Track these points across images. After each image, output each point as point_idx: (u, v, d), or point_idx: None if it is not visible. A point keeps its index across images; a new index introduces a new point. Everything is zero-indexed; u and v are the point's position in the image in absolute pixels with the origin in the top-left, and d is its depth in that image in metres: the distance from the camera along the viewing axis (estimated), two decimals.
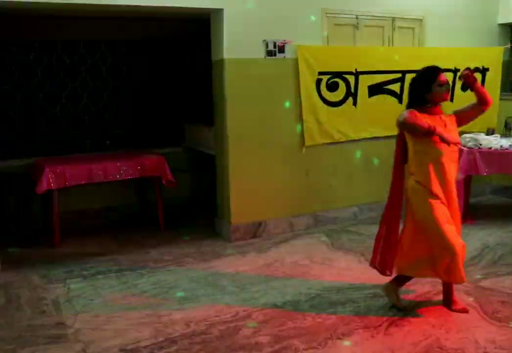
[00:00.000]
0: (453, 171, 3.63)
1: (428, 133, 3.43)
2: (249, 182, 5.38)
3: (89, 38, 6.13)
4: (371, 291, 4.13)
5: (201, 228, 5.90)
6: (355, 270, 4.58)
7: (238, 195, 5.36)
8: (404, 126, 3.56)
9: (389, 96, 6.01)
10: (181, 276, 4.54)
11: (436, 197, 3.58)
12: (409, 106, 3.64)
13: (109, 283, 4.42)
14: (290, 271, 4.60)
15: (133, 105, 6.48)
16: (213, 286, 4.32)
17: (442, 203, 3.59)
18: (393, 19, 6.02)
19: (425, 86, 3.53)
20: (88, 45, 6.18)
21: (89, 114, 6.27)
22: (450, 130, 3.57)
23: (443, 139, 3.42)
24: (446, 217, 3.58)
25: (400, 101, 6.05)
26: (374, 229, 5.59)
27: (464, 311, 3.74)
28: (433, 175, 3.57)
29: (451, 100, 6.46)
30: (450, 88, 3.61)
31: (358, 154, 5.99)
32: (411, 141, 3.63)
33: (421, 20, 6.21)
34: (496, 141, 5.72)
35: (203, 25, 5.63)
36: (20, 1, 4.40)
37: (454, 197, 3.66)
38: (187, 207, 6.61)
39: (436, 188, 3.57)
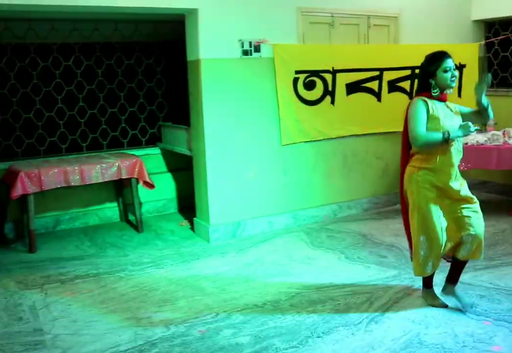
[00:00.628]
0: (457, 161, 3.58)
1: (445, 143, 3.42)
2: (227, 182, 5.37)
3: (62, 42, 6.06)
4: (351, 288, 4.15)
5: (180, 229, 5.88)
6: (334, 268, 4.59)
7: (216, 196, 5.35)
8: (423, 149, 3.51)
9: (367, 94, 6.04)
10: (160, 278, 4.51)
11: (435, 189, 3.54)
12: (417, 92, 3.61)
13: (87, 287, 4.37)
14: (270, 271, 4.60)
15: (108, 108, 6.42)
16: (193, 287, 4.30)
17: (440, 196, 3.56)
18: (368, 17, 6.06)
19: (431, 72, 3.47)
20: (62, 48, 6.10)
21: (64, 118, 6.20)
22: (455, 117, 3.56)
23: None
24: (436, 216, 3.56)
25: (379, 99, 6.09)
26: (354, 226, 5.69)
27: (443, 306, 3.77)
28: (439, 164, 3.51)
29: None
30: (457, 75, 3.52)
31: (336, 152, 6.00)
32: None
33: (396, 17, 6.25)
34: (472, 137, 5.78)
35: (178, 26, 5.61)
36: None
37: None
38: (165, 208, 6.59)
39: (440, 178, 3.53)
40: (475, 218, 3.59)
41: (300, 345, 3.36)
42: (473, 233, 3.56)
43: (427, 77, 3.50)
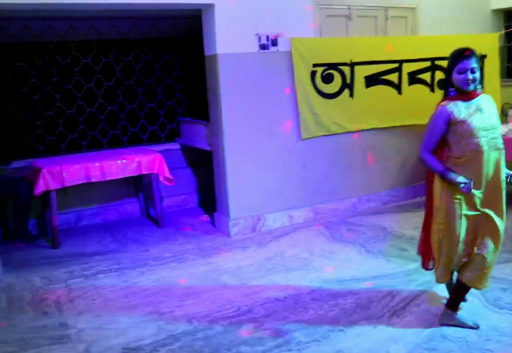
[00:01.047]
0: (494, 160, 3.24)
1: (444, 178, 3.25)
2: (246, 176, 5.38)
3: (80, 39, 6.10)
4: (372, 282, 4.14)
5: (201, 224, 5.91)
6: (355, 262, 4.58)
7: (236, 190, 5.36)
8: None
9: (387, 86, 5.99)
10: (182, 272, 4.54)
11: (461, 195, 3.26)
12: (444, 94, 3.39)
13: (110, 282, 4.42)
14: (290, 264, 4.61)
15: (128, 104, 6.46)
16: (214, 281, 4.33)
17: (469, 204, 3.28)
18: (386, 8, 6.01)
19: (448, 70, 3.27)
20: (80, 46, 6.15)
21: (84, 115, 6.25)
22: (486, 113, 3.24)
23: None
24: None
25: (399, 92, 6.03)
26: (374, 220, 5.66)
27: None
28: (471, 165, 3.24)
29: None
30: (475, 78, 3.19)
31: (354, 145, 5.97)
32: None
33: (413, 8, 6.19)
34: None
35: (195, 21, 5.62)
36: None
37: (494, 188, 3.29)
38: (186, 203, 6.62)
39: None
40: (492, 241, 3.31)
41: (322, 339, 3.37)
42: (486, 256, 3.31)
43: (446, 74, 3.33)
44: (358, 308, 3.72)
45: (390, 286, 4.05)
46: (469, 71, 3.18)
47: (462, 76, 3.19)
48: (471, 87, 3.21)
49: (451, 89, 3.31)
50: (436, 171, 3.29)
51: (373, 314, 3.63)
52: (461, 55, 3.22)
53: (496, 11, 6.83)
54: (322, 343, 3.32)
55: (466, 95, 3.25)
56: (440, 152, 3.35)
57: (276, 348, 3.29)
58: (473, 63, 3.19)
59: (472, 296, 3.81)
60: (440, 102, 3.33)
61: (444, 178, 3.23)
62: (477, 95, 3.28)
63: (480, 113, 3.23)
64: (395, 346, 3.25)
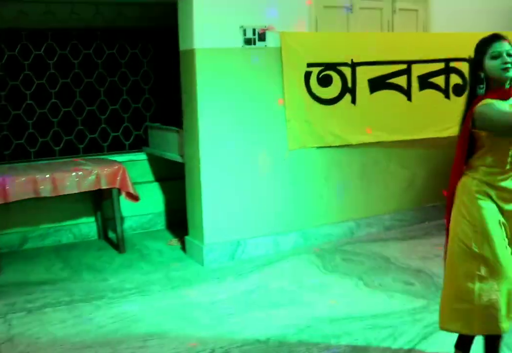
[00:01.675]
0: None
1: None
2: (225, 193, 5.41)
3: (33, 27, 6.10)
4: (371, 321, 4.17)
5: (169, 249, 5.91)
6: (352, 297, 4.61)
7: (212, 210, 5.38)
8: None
9: (394, 91, 6.05)
10: (146, 307, 4.54)
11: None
12: (469, 98, 3.23)
13: (59, 317, 4.39)
14: (275, 299, 4.62)
15: (86, 105, 6.46)
16: (184, 318, 4.33)
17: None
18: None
19: (477, 63, 3.14)
20: (32, 35, 6.15)
21: (33, 117, 6.24)
22: None
23: None
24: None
25: (409, 98, 6.10)
26: (374, 248, 5.71)
27: None
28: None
29: None
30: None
31: (353, 160, 6.04)
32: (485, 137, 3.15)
33: (426, 0, 6.29)
34: None
35: (169, 9, 5.66)
36: None
37: None
38: (152, 224, 6.62)
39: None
40: None
41: None
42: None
43: (475, 70, 3.16)
44: (353, 351, 3.75)
45: (392, 326, 4.07)
46: (505, 54, 3.06)
47: (497, 61, 3.06)
48: (510, 73, 3.05)
49: (481, 86, 3.15)
50: None
51: None
52: (492, 37, 3.13)
53: None
54: None
55: (504, 92, 3.12)
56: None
57: None
58: (508, 46, 3.09)
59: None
60: (477, 103, 3.12)
61: None
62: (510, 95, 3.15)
63: None
64: None
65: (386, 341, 3.87)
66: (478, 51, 3.16)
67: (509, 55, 3.06)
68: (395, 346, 3.81)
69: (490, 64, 3.08)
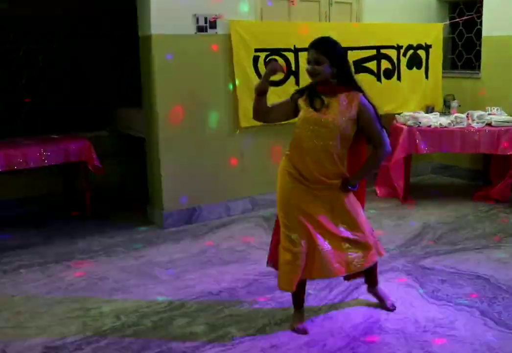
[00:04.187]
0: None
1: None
2: (181, 166, 5.34)
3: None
4: None
5: (133, 215, 5.81)
6: None
7: (170, 180, 5.31)
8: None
9: None
10: (111, 266, 4.46)
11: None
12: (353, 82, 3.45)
13: (32, 277, 4.29)
14: (226, 257, 4.60)
15: (55, 87, 6.28)
16: (145, 275, 4.27)
17: None
18: None
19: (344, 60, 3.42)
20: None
21: (5, 98, 6.04)
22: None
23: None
24: None
25: None
26: None
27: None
28: None
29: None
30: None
31: None
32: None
33: None
34: (435, 120, 5.88)
35: None
36: None
37: None
38: (118, 194, 6.51)
39: None
40: None
41: (258, 333, 3.38)
42: None
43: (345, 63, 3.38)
44: None
45: (329, 279, 4.02)
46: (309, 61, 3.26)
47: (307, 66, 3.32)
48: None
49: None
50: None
51: (310, 307, 3.65)
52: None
53: (441, 1, 7.01)
54: (257, 337, 3.34)
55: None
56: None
57: (209, 343, 3.28)
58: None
59: (411, 287, 3.92)
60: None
61: None
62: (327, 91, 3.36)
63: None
64: (333, 339, 3.30)
65: (323, 292, 3.90)
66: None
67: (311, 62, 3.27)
68: (331, 295, 3.85)
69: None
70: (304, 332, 3.37)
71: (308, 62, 3.26)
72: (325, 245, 3.25)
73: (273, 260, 3.51)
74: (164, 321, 3.56)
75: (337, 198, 3.32)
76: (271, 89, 5.53)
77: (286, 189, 3.34)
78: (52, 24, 6.19)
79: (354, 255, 3.32)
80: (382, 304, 3.64)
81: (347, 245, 3.32)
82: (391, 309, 3.60)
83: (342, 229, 3.32)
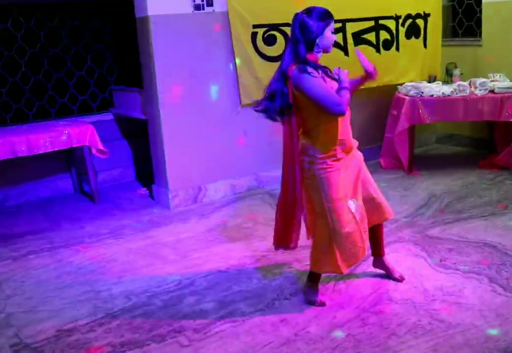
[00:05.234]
0: None
1: None
2: (185, 145, 5.30)
3: None
4: None
5: (139, 197, 5.81)
6: (301, 228, 4.59)
7: (174, 160, 5.28)
8: None
9: (333, 48, 5.95)
10: (119, 248, 4.46)
11: None
12: (293, 55, 3.20)
13: (42, 262, 4.30)
14: (233, 235, 4.59)
15: (54, 73, 6.23)
16: (154, 256, 4.27)
17: None
18: None
19: (319, 29, 3.12)
20: None
21: (6, 85, 5.99)
22: None
23: None
24: None
25: (346, 53, 5.98)
26: None
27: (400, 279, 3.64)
28: None
29: (397, 49, 6.54)
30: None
31: None
32: None
33: None
34: (438, 89, 5.80)
35: None
36: None
37: None
38: (122, 177, 6.48)
39: None
40: None
41: (267, 308, 3.38)
42: None
43: (315, 33, 3.12)
44: (304, 276, 3.72)
45: None
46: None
47: (333, 36, 3.22)
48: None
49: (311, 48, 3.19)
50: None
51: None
52: (331, 15, 3.15)
53: None
54: (267, 312, 3.34)
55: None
56: None
57: (220, 320, 3.29)
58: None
59: (418, 257, 3.90)
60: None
61: None
62: None
63: None
64: (342, 311, 3.29)
65: None
66: (321, 19, 3.09)
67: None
68: None
69: (330, 37, 3.15)
70: (322, 304, 3.38)
71: (333, 32, 3.18)
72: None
73: (283, 242, 3.52)
74: (174, 300, 3.56)
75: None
76: (272, 65, 5.54)
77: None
78: (51, 9, 6.11)
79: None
80: (390, 275, 3.62)
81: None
82: (400, 279, 3.59)
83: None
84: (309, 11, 3.11)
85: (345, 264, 3.28)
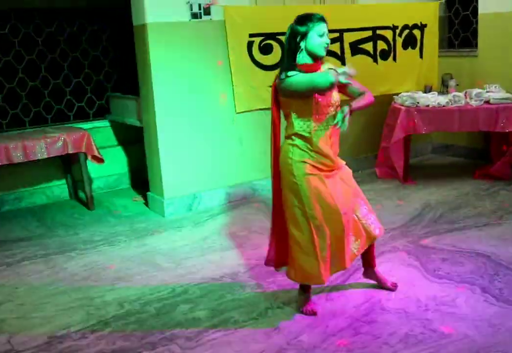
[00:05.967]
0: None
1: None
2: (180, 153, 5.31)
3: None
4: None
5: (134, 205, 5.81)
6: None
7: (170, 168, 5.29)
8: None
9: (329, 57, 5.97)
10: (113, 256, 4.46)
11: None
12: (287, 64, 3.18)
13: (35, 268, 4.29)
14: (228, 243, 4.59)
15: (51, 79, 6.24)
16: (148, 263, 4.27)
17: None
18: None
19: (303, 34, 3.08)
20: None
21: (3, 91, 6.01)
22: None
23: None
24: None
25: (343, 63, 6.01)
26: None
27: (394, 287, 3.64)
28: None
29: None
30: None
31: None
32: None
33: None
34: (433, 99, 5.83)
35: None
36: None
37: None
38: (117, 184, 6.49)
39: None
40: None
41: (260, 317, 3.38)
42: None
43: (299, 39, 3.10)
44: (297, 284, 3.73)
45: None
46: (326, 35, 3.13)
47: (322, 39, 3.11)
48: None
49: (300, 55, 3.16)
50: None
51: (312, 289, 3.62)
52: (317, 17, 3.09)
53: None
54: (260, 321, 3.34)
55: (314, 66, 3.20)
56: None
57: (212, 328, 3.28)
58: (327, 28, 3.13)
59: (412, 267, 3.91)
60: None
61: None
62: None
63: None
64: (335, 320, 3.30)
65: None
66: (304, 24, 3.08)
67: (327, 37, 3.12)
68: (332, 277, 3.80)
69: (316, 40, 3.08)
70: (313, 313, 3.38)
71: (322, 35, 3.10)
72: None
73: (276, 260, 3.52)
74: (167, 307, 3.56)
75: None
76: (268, 73, 5.56)
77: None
78: (49, 15, 6.13)
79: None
80: (382, 285, 3.63)
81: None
82: (393, 288, 3.60)
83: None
84: (295, 18, 3.14)
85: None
